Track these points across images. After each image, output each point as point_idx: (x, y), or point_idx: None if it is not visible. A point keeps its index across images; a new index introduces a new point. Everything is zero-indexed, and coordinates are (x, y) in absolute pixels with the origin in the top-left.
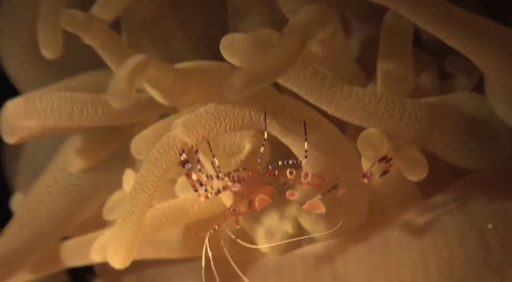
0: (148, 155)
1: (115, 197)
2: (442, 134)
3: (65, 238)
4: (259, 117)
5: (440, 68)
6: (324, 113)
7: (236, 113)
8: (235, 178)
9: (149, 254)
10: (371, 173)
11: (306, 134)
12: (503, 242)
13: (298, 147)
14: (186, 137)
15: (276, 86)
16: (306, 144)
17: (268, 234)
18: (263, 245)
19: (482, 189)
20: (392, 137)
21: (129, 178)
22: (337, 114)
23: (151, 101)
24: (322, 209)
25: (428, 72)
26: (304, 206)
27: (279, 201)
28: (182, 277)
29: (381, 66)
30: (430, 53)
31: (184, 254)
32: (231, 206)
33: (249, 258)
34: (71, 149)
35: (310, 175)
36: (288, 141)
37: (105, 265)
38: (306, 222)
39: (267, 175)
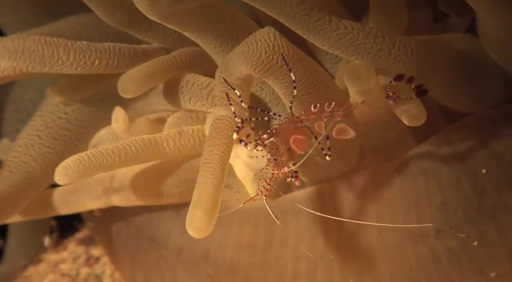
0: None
1: (102, 133)
2: (432, 72)
3: (53, 186)
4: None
5: (434, 9)
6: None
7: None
8: (268, 132)
9: (137, 200)
10: (394, 93)
11: (287, 64)
12: (497, 186)
13: (279, 84)
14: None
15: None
16: (292, 75)
17: (257, 178)
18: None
19: (475, 133)
20: (382, 72)
21: (118, 116)
22: (325, 46)
23: (133, 52)
24: (352, 134)
25: (421, 11)
26: (334, 134)
27: None
28: (170, 223)
29: (373, 3)
30: None
31: (171, 200)
32: (270, 158)
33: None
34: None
35: (333, 103)
36: (269, 79)
37: (92, 212)
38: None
39: (296, 120)
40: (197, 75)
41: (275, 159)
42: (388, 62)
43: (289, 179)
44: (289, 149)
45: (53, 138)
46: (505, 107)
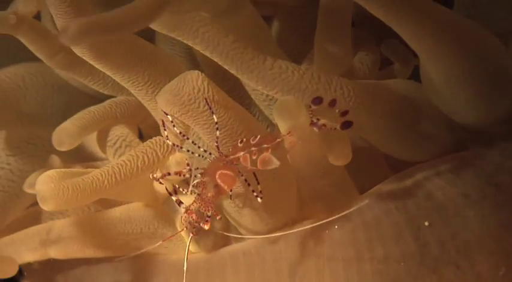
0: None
1: (38, 173)
2: (371, 116)
3: None
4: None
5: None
6: None
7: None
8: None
9: (75, 252)
10: (318, 119)
11: (210, 108)
12: (440, 239)
13: (200, 129)
14: None
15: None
16: (215, 117)
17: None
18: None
19: (418, 184)
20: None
21: (52, 163)
22: (259, 86)
23: None
24: (276, 163)
25: (368, 55)
26: (258, 165)
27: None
28: (107, 277)
29: (318, 45)
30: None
31: (110, 252)
32: (197, 196)
33: (175, 256)
34: None
35: (258, 136)
36: (189, 122)
37: (31, 265)
38: (232, 216)
39: (223, 158)
40: (117, 128)
41: (199, 195)
42: None
43: (218, 217)
44: (216, 186)
45: None
46: (449, 156)
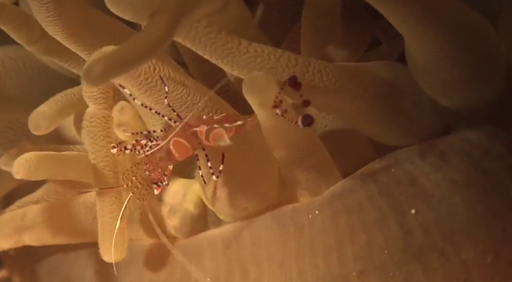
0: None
1: (11, 152)
2: (353, 99)
3: None
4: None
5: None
6: None
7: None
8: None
9: (49, 238)
10: (281, 101)
11: (165, 85)
12: (424, 225)
13: (159, 106)
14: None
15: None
16: (166, 100)
17: (171, 213)
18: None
19: (403, 168)
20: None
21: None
22: (235, 71)
23: None
24: (226, 142)
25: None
26: (210, 139)
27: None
28: (84, 263)
29: (305, 19)
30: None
31: (85, 238)
32: (145, 159)
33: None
34: None
35: (223, 115)
36: (150, 101)
37: (7, 252)
38: (208, 200)
39: (186, 127)
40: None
41: (148, 157)
42: None
43: (166, 182)
44: (168, 152)
45: None
46: (435, 140)
